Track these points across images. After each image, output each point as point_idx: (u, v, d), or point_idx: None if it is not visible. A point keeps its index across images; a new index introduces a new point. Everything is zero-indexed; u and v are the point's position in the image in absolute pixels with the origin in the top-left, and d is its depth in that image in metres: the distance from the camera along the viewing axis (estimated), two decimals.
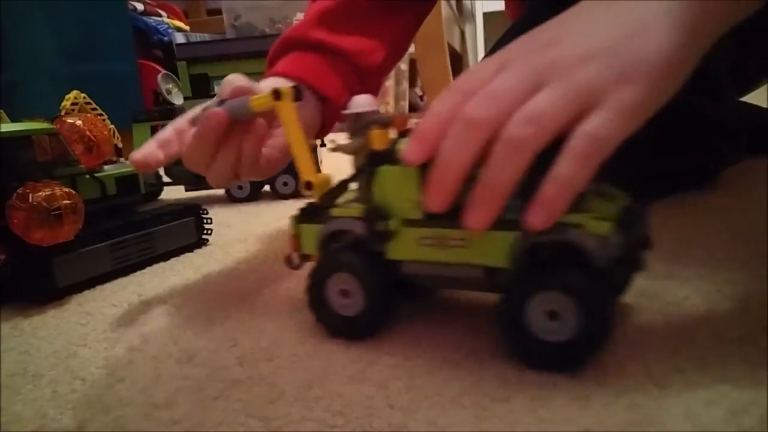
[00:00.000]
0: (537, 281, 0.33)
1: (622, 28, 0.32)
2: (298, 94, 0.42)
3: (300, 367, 0.38)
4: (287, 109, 0.41)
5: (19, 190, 0.50)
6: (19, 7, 1.55)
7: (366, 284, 0.39)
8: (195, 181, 0.94)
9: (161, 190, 1.03)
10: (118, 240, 0.59)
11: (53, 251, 0.53)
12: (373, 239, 0.38)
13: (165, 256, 0.64)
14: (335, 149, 0.43)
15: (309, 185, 0.41)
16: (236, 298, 0.51)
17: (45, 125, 0.56)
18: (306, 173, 0.41)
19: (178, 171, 0.95)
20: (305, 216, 0.43)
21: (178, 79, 0.96)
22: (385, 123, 0.40)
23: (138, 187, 0.64)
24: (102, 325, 0.48)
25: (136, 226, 0.61)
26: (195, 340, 0.43)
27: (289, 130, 0.42)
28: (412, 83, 2.48)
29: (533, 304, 0.33)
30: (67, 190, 0.51)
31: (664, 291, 0.44)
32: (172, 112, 0.90)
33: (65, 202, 0.50)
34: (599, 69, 0.31)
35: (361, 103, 0.42)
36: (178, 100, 0.95)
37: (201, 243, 0.69)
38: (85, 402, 0.36)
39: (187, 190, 1.00)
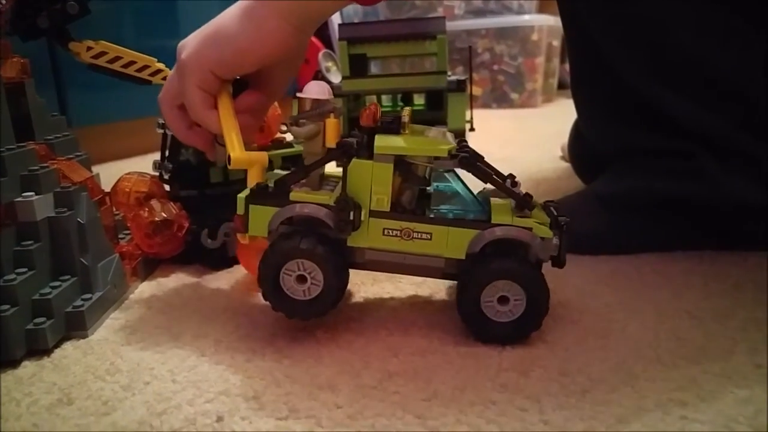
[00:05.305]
0: (493, 271, 0.40)
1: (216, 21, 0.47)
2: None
3: (453, 367, 0.39)
4: (224, 96, 0.47)
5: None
6: None
7: (326, 270, 0.42)
8: None
9: None
10: None
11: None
12: (338, 227, 0.41)
13: None
14: (291, 133, 0.45)
15: (229, 159, 0.44)
16: (391, 285, 0.53)
17: None
18: (230, 148, 0.44)
19: None
20: (256, 197, 0.44)
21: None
22: (339, 113, 0.44)
23: None
24: None
25: None
26: (350, 323, 0.46)
27: (223, 110, 0.46)
28: (563, 60, 2.37)
29: (488, 291, 0.41)
30: None
31: None
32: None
33: None
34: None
35: (316, 90, 0.44)
36: (336, 78, 0.99)
37: None
38: (260, 373, 0.40)
39: None
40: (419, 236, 0.42)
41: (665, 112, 0.57)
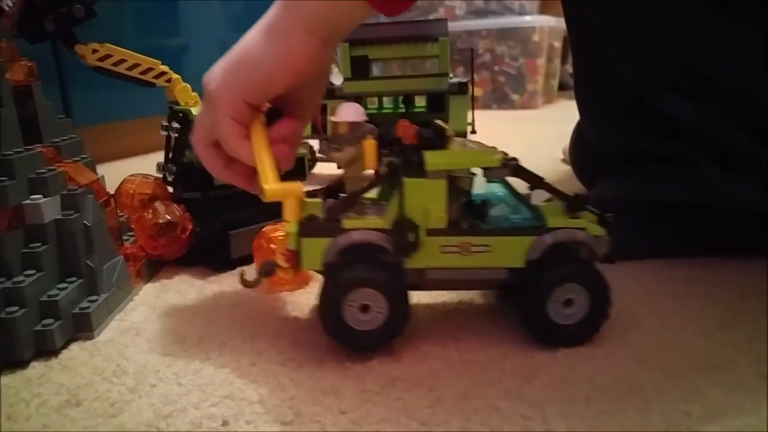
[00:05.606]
0: (559, 276, 0.41)
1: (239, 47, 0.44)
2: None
3: (456, 373, 0.39)
4: (257, 126, 0.44)
5: None
6: None
7: (390, 296, 0.41)
8: None
9: (314, 165, 1.09)
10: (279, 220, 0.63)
11: (228, 227, 0.59)
12: (401, 250, 0.41)
13: None
14: (329, 159, 0.44)
15: (261, 191, 0.41)
16: None
17: None
18: (263, 179, 0.41)
19: None
20: (307, 230, 0.42)
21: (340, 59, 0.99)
22: (376, 134, 0.42)
23: (303, 169, 0.69)
24: (271, 301, 0.52)
25: None
26: None
27: (255, 140, 0.43)
28: (564, 61, 2.38)
29: (553, 296, 0.41)
30: None
31: None
32: (331, 92, 0.94)
33: None
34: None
35: (352, 112, 0.43)
36: (337, 80, 0.99)
37: None
38: (264, 376, 0.40)
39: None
40: (478, 249, 0.41)
41: (666, 113, 0.57)
